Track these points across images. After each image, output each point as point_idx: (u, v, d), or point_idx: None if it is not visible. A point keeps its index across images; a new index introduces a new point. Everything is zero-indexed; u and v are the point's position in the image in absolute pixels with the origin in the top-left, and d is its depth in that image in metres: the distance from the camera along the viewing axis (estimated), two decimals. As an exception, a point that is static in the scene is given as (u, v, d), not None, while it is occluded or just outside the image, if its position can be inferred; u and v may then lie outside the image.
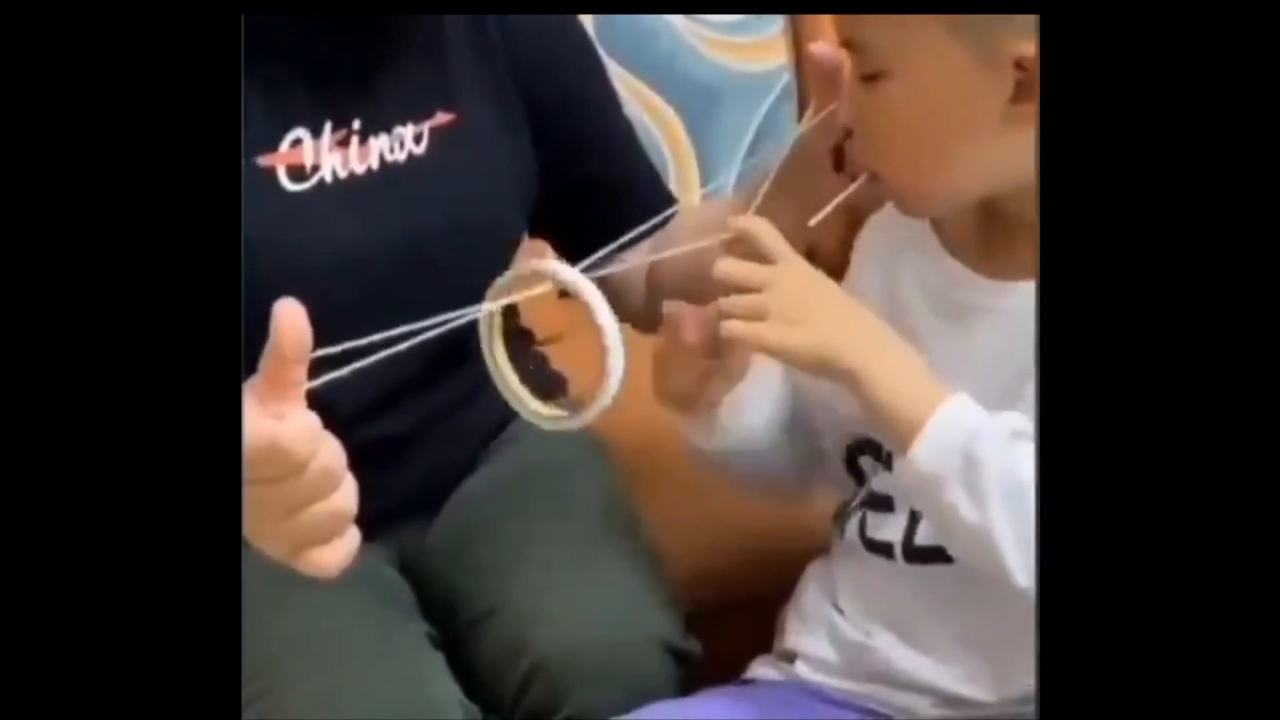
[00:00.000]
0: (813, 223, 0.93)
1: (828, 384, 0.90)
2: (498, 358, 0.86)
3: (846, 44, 0.89)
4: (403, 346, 0.71)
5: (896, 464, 0.87)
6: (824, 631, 0.99)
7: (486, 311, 0.82)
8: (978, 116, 0.85)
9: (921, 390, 0.85)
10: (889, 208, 0.96)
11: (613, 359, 0.79)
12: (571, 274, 0.79)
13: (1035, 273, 0.67)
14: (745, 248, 0.88)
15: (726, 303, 0.87)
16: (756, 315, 0.86)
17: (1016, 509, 0.81)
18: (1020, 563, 0.81)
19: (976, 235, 0.94)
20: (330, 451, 0.66)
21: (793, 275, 0.88)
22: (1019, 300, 0.88)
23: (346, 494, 0.67)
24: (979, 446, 0.82)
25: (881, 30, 0.86)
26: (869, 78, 0.87)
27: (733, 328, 0.87)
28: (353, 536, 0.68)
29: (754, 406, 0.97)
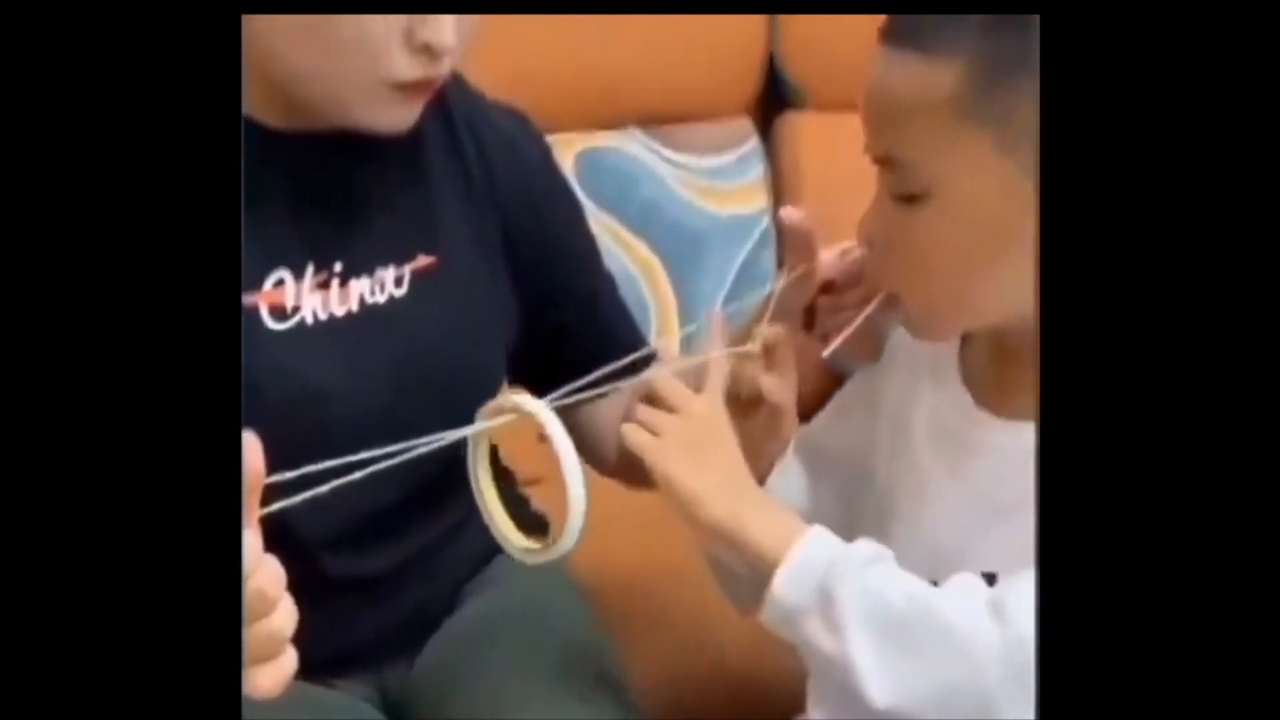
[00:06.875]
0: (826, 354, 0.96)
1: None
2: (484, 490, 0.89)
3: (882, 161, 0.85)
4: (363, 473, 0.74)
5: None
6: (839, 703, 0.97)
7: (472, 442, 0.84)
8: (1013, 240, 0.83)
9: (780, 528, 0.88)
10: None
11: (573, 488, 0.81)
12: (534, 404, 0.82)
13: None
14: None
15: (641, 409, 0.91)
16: (656, 430, 0.90)
17: (874, 631, 0.83)
18: (878, 684, 0.83)
19: (990, 370, 0.93)
20: (268, 574, 0.67)
21: (705, 413, 0.91)
22: (1021, 441, 0.84)
23: (283, 617, 0.68)
24: (833, 579, 0.85)
25: (925, 149, 0.83)
26: (904, 198, 0.84)
27: (632, 433, 0.90)
28: (289, 659, 0.68)
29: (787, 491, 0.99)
